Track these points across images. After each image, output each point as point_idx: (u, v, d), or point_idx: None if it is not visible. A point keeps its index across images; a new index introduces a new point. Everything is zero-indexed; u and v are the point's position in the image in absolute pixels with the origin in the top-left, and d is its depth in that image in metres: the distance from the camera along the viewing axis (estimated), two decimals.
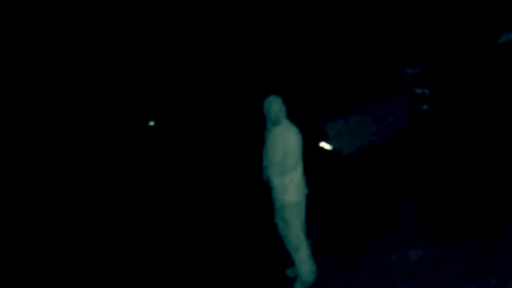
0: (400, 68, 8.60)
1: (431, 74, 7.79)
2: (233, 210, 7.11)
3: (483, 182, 6.11)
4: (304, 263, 4.94)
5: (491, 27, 7.65)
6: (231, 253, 6.11)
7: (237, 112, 9.64)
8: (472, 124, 7.22)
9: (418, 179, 6.73)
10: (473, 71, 7.44)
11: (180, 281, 5.73)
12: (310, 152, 6.23)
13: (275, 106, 4.69)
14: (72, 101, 10.77)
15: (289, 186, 4.78)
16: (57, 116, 10.44)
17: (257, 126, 5.38)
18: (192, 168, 8.38)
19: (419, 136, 7.81)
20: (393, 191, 6.62)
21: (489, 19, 7.76)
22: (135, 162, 8.68)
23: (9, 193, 8.22)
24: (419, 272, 4.76)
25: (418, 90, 7.71)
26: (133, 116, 10.13)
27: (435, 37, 9.93)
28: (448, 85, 7.51)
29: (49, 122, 10.29)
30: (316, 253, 5.12)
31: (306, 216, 4.94)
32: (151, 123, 9.51)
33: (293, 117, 4.95)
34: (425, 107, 7.66)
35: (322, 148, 7.85)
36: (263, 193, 5.11)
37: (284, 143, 4.70)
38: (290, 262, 5.17)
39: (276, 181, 4.80)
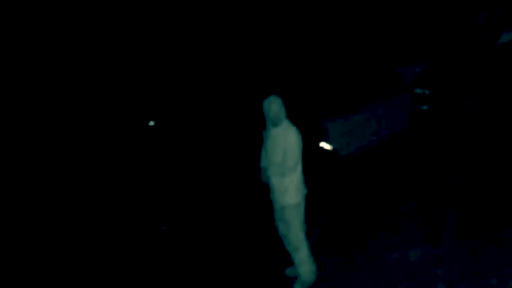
0: (400, 68, 8.60)
1: (431, 74, 7.79)
2: (232, 210, 7.11)
3: (483, 182, 6.11)
4: (304, 263, 4.94)
5: (491, 27, 7.65)
6: (231, 253, 6.11)
7: (236, 112, 9.63)
8: (472, 124, 7.22)
9: (418, 179, 6.73)
10: (473, 71, 7.44)
11: (180, 281, 5.73)
12: (310, 152, 6.23)
13: (274, 106, 4.69)
14: (72, 101, 10.77)
15: (289, 187, 4.78)
16: (57, 116, 10.44)
17: (256, 126, 5.38)
18: (192, 168, 8.38)
19: (419, 136, 7.81)
20: (393, 191, 6.62)
21: (489, 19, 7.76)
22: (135, 162, 8.68)
23: (9, 193, 8.22)
24: (419, 272, 4.76)
25: (418, 90, 7.71)
26: (133, 116, 10.13)
27: (435, 37, 9.93)
28: (448, 85, 7.51)
29: (49, 122, 10.29)
30: (316, 253, 5.12)
31: (305, 216, 4.94)
32: (151, 123, 9.51)
33: (293, 117, 4.95)
34: (425, 107, 7.66)
35: (322, 148, 7.85)
36: (263, 193, 5.10)
37: (284, 144, 4.69)
38: (290, 262, 5.17)
39: (276, 182, 4.80)
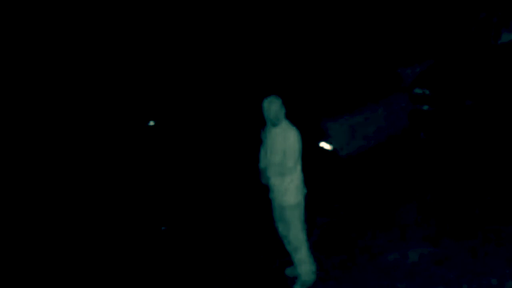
0: (400, 68, 8.59)
1: (431, 74, 7.79)
2: (232, 210, 7.11)
3: (483, 182, 6.11)
4: (304, 263, 4.94)
5: (491, 27, 7.64)
6: (231, 253, 6.11)
7: (236, 112, 9.64)
8: (472, 124, 7.22)
9: (418, 179, 6.73)
10: (473, 71, 7.44)
11: (180, 281, 5.74)
12: (310, 152, 6.24)
13: (274, 106, 4.69)
14: (72, 101, 10.77)
15: (289, 187, 4.78)
16: (57, 116, 10.44)
17: (256, 127, 5.38)
18: (192, 168, 8.38)
19: (419, 136, 7.81)
20: (393, 191, 6.62)
21: (489, 19, 7.76)
22: (135, 162, 8.68)
23: (9, 193, 8.22)
24: (419, 272, 4.76)
25: (418, 90, 7.71)
26: (133, 116, 10.13)
27: (436, 37, 9.92)
28: (448, 85, 7.51)
29: (49, 122, 10.29)
30: (316, 253, 5.12)
31: (305, 216, 4.94)
32: (151, 123, 9.51)
33: (293, 117, 4.95)
34: (425, 107, 7.66)
35: (322, 148, 7.85)
36: (262, 193, 5.10)
37: (284, 144, 4.69)
38: (290, 262, 5.17)
39: (276, 182, 4.80)
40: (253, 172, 5.21)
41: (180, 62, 11.99)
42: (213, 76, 11.50)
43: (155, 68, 11.80)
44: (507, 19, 7.55)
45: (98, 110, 10.59)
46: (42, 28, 11.59)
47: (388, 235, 5.58)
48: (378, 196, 6.60)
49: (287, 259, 5.19)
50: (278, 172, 4.75)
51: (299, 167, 4.81)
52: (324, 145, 7.85)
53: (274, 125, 4.75)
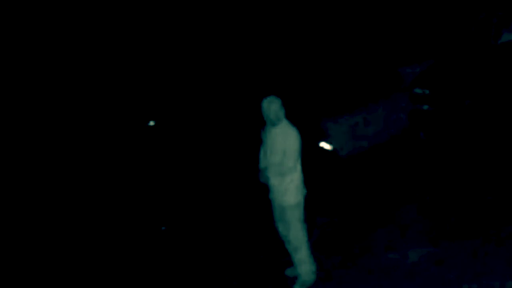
0: (400, 68, 8.59)
1: (431, 74, 7.78)
2: (232, 210, 7.10)
3: (483, 182, 6.11)
4: (304, 263, 4.94)
5: (491, 27, 7.64)
6: (231, 253, 6.10)
7: (236, 112, 9.63)
8: (472, 124, 7.22)
9: (418, 179, 6.73)
10: (473, 71, 7.44)
11: (180, 281, 5.73)
12: (310, 152, 6.23)
13: (274, 106, 4.69)
14: (72, 101, 10.77)
15: (289, 187, 4.78)
16: (57, 116, 10.43)
17: (255, 127, 5.37)
18: (192, 168, 8.38)
19: (419, 136, 7.81)
20: (393, 191, 6.61)
21: (489, 19, 7.76)
22: (135, 162, 8.68)
23: (9, 193, 8.22)
24: (419, 272, 4.76)
25: (418, 90, 7.71)
26: (133, 116, 10.13)
27: (436, 37, 9.92)
28: (448, 85, 7.51)
29: (49, 122, 10.28)
30: (316, 253, 5.12)
31: (305, 216, 4.93)
32: (151, 123, 9.50)
33: (293, 117, 4.95)
34: (425, 107, 7.66)
35: (322, 148, 7.85)
36: (262, 193, 5.10)
37: (283, 144, 4.69)
38: (290, 262, 5.16)
39: (276, 182, 4.80)
40: (253, 172, 5.21)
41: (180, 62, 11.99)
42: (213, 76, 11.49)
43: (155, 68, 11.80)
44: (507, 19, 7.55)
45: (98, 110, 10.58)
46: (42, 28, 11.59)
47: (388, 235, 5.58)
48: (378, 196, 6.59)
49: (287, 259, 5.18)
50: (278, 172, 4.75)
51: (299, 167, 4.81)
52: (324, 145, 7.84)
53: (274, 125, 4.75)
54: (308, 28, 12.27)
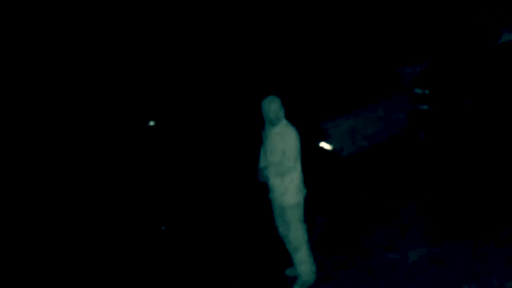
0: (400, 68, 8.59)
1: (431, 74, 7.78)
2: (232, 210, 7.10)
3: (483, 181, 6.11)
4: (304, 263, 4.94)
5: (491, 27, 7.64)
6: (231, 253, 6.10)
7: (235, 112, 9.63)
8: (472, 124, 7.22)
9: (418, 179, 6.73)
10: (473, 71, 7.44)
11: (180, 281, 5.73)
12: (310, 152, 6.23)
13: (273, 106, 4.69)
14: (72, 101, 10.77)
15: (289, 187, 4.77)
16: (57, 116, 10.44)
17: (255, 127, 5.37)
18: (192, 168, 8.38)
19: (419, 136, 7.81)
20: (393, 191, 6.61)
21: (489, 19, 7.76)
22: (135, 162, 8.68)
23: (9, 193, 8.22)
24: (419, 272, 4.76)
25: (418, 90, 7.71)
26: (133, 116, 10.12)
27: (436, 36, 9.92)
28: (448, 85, 7.51)
29: (49, 122, 10.29)
30: (316, 253, 5.12)
31: (305, 216, 4.93)
32: (151, 123, 9.50)
33: (293, 117, 4.95)
34: (425, 107, 7.66)
35: (322, 148, 7.85)
36: (262, 193, 5.10)
37: (283, 144, 4.69)
38: (290, 262, 5.16)
39: (276, 182, 4.79)
40: (253, 172, 5.21)
41: (180, 62, 11.99)
42: (213, 76, 11.49)
43: (155, 68, 11.80)
44: (507, 19, 7.55)
45: (98, 110, 10.58)
46: (42, 28, 11.59)
47: (388, 235, 5.58)
48: (378, 196, 6.59)
49: (287, 259, 5.18)
50: (278, 172, 4.74)
51: (299, 167, 4.81)
52: (324, 145, 7.84)
53: (274, 125, 4.74)
54: (308, 28, 12.28)
